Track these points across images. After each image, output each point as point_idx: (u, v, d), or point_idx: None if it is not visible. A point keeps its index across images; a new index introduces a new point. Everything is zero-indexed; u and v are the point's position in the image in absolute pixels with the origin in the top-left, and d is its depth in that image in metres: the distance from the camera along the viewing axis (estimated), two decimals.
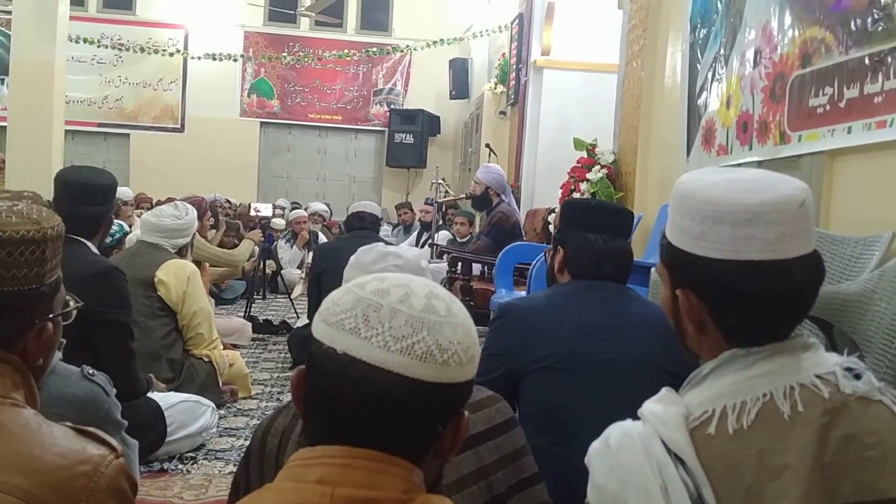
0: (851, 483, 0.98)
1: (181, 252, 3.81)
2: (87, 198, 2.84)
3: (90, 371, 1.87)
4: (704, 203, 1.09)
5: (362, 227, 5.01)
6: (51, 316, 1.24)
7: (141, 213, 6.64)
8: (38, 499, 1.02)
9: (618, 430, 1.08)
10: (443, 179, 6.99)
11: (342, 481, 0.88)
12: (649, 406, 1.09)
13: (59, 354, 1.78)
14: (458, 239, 7.25)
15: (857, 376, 1.05)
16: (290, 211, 9.42)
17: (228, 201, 9.39)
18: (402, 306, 0.91)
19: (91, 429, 1.16)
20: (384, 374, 0.88)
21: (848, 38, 2.71)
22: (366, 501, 0.87)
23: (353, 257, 1.62)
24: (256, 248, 7.08)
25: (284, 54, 12.95)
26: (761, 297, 1.07)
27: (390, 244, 1.91)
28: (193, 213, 3.93)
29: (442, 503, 0.91)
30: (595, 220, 2.12)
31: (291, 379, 0.99)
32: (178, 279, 3.61)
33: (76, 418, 1.67)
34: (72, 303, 1.36)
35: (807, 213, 1.08)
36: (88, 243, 2.85)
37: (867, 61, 2.59)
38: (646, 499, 1.00)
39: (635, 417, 1.10)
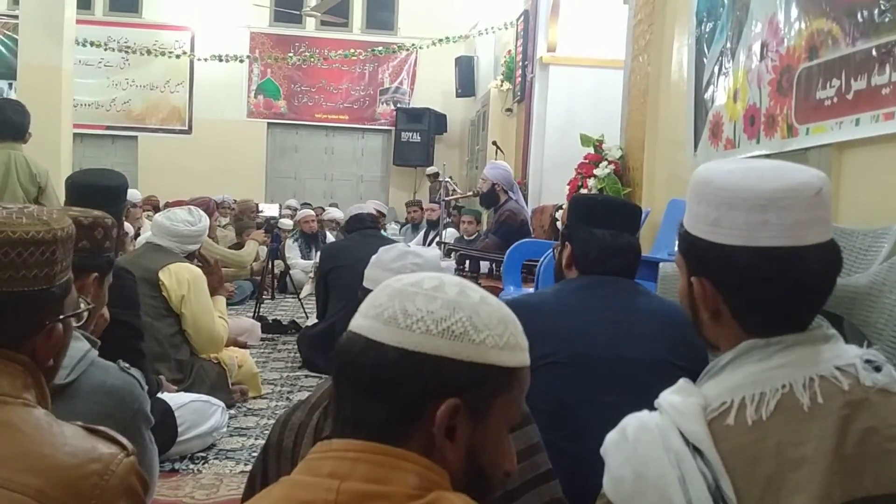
0: (872, 475, 0.97)
1: (190, 257, 3.81)
2: (93, 200, 2.84)
3: (125, 365, 1.91)
4: (720, 189, 1.09)
5: (364, 227, 5.05)
6: (61, 317, 1.23)
7: (150, 215, 6.65)
8: (49, 497, 1.02)
9: (635, 421, 1.07)
10: (450, 177, 6.98)
11: (351, 475, 0.87)
12: (667, 397, 1.08)
13: (95, 351, 1.81)
14: (466, 237, 7.24)
15: (877, 368, 1.04)
16: (299, 211, 9.47)
17: (236, 201, 9.42)
18: (397, 283, 0.95)
19: (102, 428, 1.16)
20: (356, 339, 0.93)
21: (855, 29, 2.70)
22: (372, 496, 0.86)
23: (374, 256, 1.65)
24: (263, 249, 7.10)
25: (290, 55, 12.98)
26: (776, 284, 1.06)
27: (394, 241, 1.94)
28: (206, 220, 3.93)
29: (460, 500, 0.89)
30: (602, 216, 2.12)
31: None
32: (179, 283, 3.60)
33: (115, 408, 1.75)
34: (83, 304, 1.36)
35: (823, 202, 1.07)
36: None
37: (874, 53, 2.57)
38: (663, 490, 0.99)
39: (648, 411, 1.10)
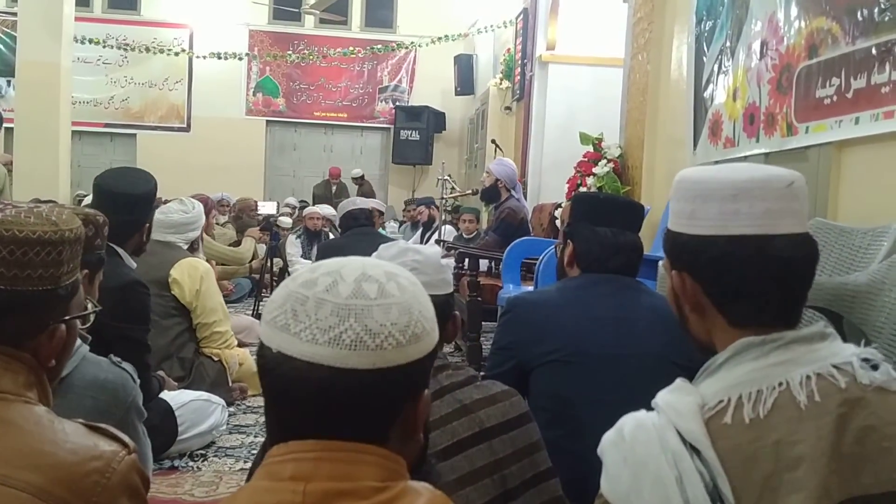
0: (870, 474, 0.97)
1: (193, 246, 3.84)
2: (114, 206, 2.84)
3: (117, 359, 1.91)
4: (695, 183, 1.14)
5: (358, 225, 5.05)
6: (65, 318, 1.23)
7: None
8: (50, 495, 1.02)
9: (632, 421, 1.07)
10: (449, 175, 6.98)
11: (315, 476, 0.86)
12: (664, 396, 1.09)
13: (85, 347, 1.81)
14: (465, 235, 7.23)
15: (875, 367, 1.05)
16: (300, 209, 9.46)
17: (237, 202, 9.41)
18: (328, 295, 0.88)
19: (103, 425, 1.16)
20: (316, 369, 0.86)
21: (855, 28, 2.70)
22: (340, 494, 0.85)
23: (374, 254, 1.64)
24: (262, 247, 7.09)
25: (289, 53, 12.95)
26: (748, 271, 1.09)
27: (391, 239, 1.93)
28: (200, 206, 3.96)
29: (425, 490, 0.89)
30: (605, 214, 2.12)
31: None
32: (192, 278, 3.63)
33: (109, 402, 1.75)
34: (90, 306, 1.36)
35: (795, 195, 1.10)
36: (119, 250, 2.84)
37: (874, 51, 2.57)
38: (661, 490, 0.99)
39: (647, 410, 1.10)
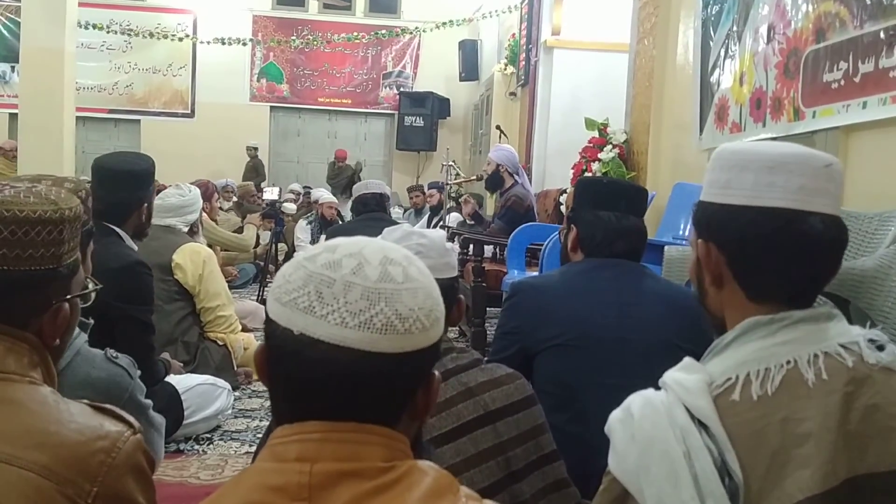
0: (875, 452, 0.98)
1: (192, 229, 3.85)
2: (112, 184, 2.86)
3: (114, 354, 1.88)
4: (734, 154, 1.14)
5: (368, 210, 5.02)
6: (67, 297, 1.24)
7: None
8: (56, 474, 1.02)
9: (640, 399, 1.07)
10: (453, 161, 6.96)
11: (321, 456, 0.86)
12: (672, 374, 1.09)
13: (84, 336, 1.79)
14: (468, 221, 7.22)
15: (881, 347, 1.05)
16: (305, 195, 9.44)
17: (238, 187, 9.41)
18: (356, 278, 0.87)
19: (109, 406, 1.16)
20: (345, 352, 0.85)
21: (862, 11, 2.68)
22: (346, 474, 0.85)
23: (379, 237, 1.64)
24: (263, 232, 7.10)
25: (293, 38, 12.94)
26: (776, 244, 1.09)
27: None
28: (196, 190, 4.01)
29: (430, 469, 0.89)
30: (608, 198, 2.11)
31: (254, 358, 0.95)
32: (194, 263, 3.65)
33: (100, 401, 1.71)
34: (90, 285, 1.36)
35: (832, 176, 1.10)
36: (120, 231, 2.85)
37: (882, 35, 2.56)
38: (668, 465, 0.99)
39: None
